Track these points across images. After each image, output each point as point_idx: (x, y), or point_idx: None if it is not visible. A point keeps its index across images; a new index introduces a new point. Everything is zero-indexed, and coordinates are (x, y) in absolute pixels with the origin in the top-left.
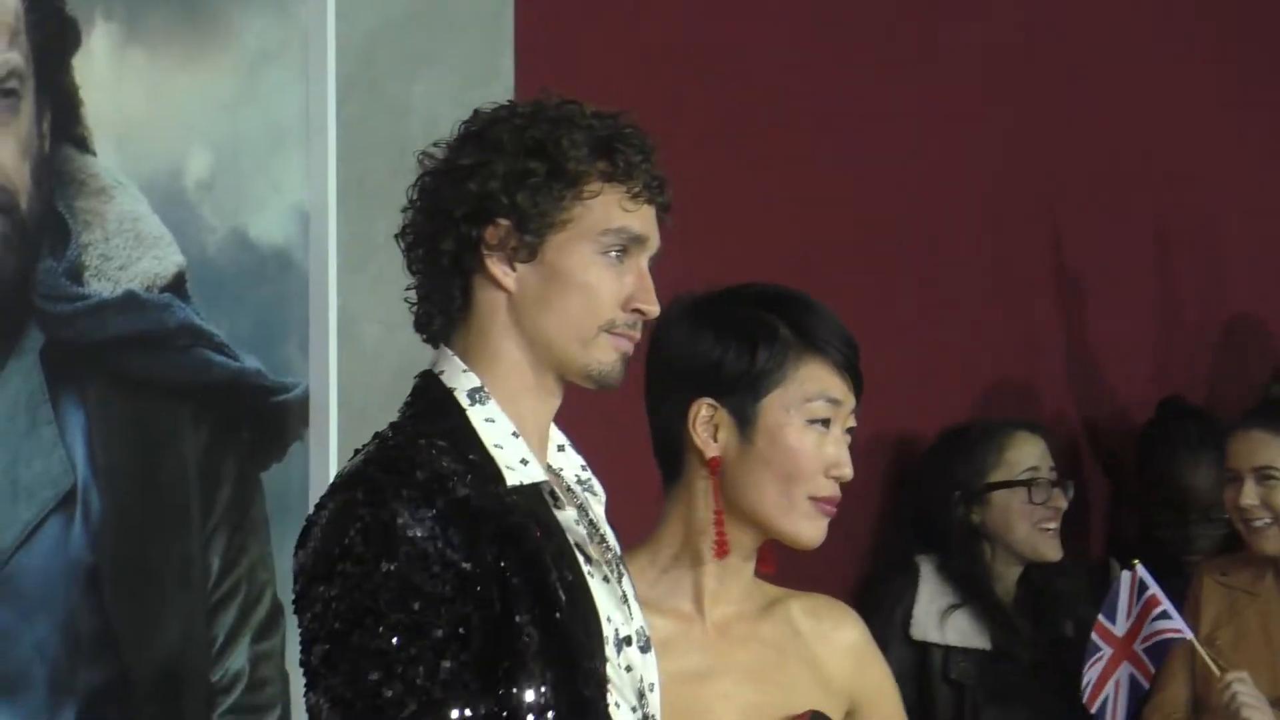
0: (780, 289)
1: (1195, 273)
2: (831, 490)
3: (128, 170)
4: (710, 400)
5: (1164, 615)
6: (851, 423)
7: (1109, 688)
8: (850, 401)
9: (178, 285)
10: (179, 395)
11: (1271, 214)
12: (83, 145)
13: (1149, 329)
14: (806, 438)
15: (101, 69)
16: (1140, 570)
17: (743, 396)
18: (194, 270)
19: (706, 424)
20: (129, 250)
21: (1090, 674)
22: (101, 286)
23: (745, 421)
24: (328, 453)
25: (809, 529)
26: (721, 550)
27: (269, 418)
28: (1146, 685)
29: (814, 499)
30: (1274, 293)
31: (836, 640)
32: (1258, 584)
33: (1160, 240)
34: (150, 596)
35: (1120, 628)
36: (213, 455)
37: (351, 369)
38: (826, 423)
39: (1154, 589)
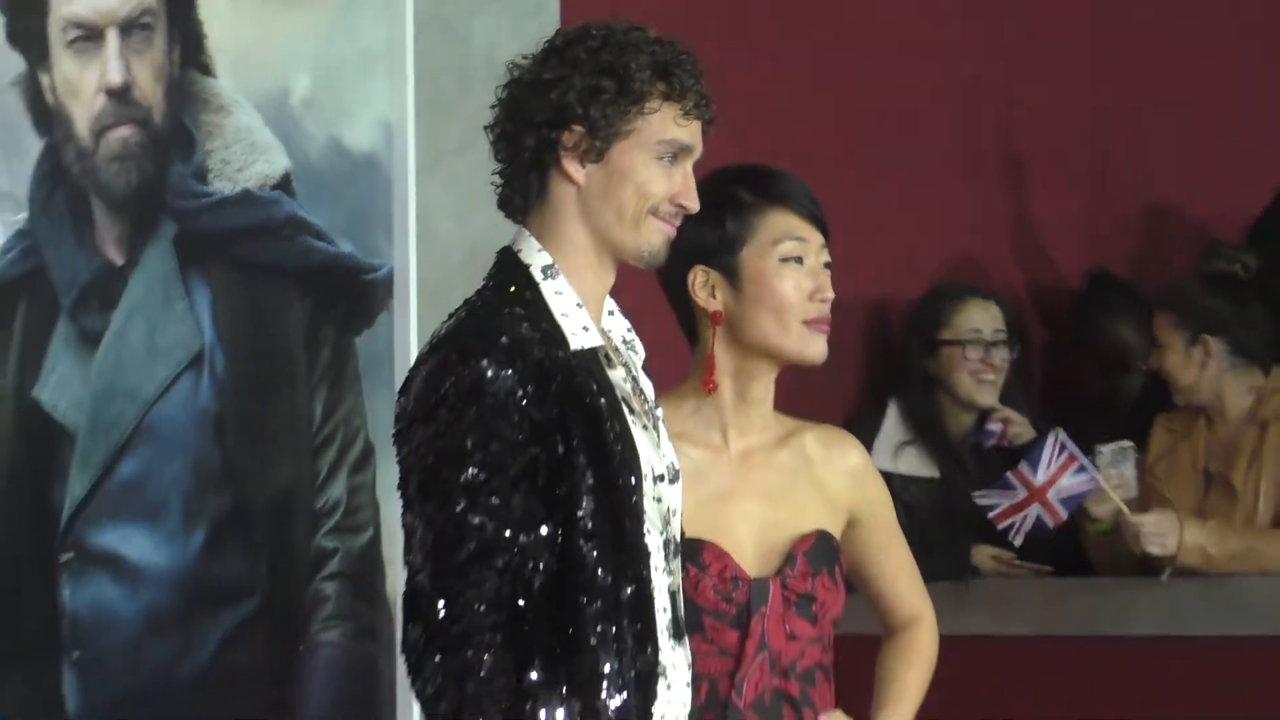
0: (740, 165)
1: (1127, 161)
2: (819, 312)
3: (243, 90)
4: (701, 266)
5: (1080, 470)
6: (825, 257)
7: (1017, 518)
8: (815, 237)
9: (285, 184)
10: (287, 275)
11: (1194, 105)
12: (205, 70)
13: (1085, 210)
14: (785, 275)
15: (221, 6)
16: (1062, 435)
17: (724, 257)
18: (298, 172)
19: (704, 286)
20: (244, 156)
21: (1000, 501)
22: (222, 186)
23: (732, 275)
24: (409, 321)
25: (810, 348)
26: (709, 385)
27: (360, 293)
28: (1052, 525)
29: (806, 322)
30: (1193, 179)
31: (841, 464)
32: (1190, 428)
33: (1098, 131)
34: (265, 439)
35: (1039, 478)
36: (315, 324)
37: (427, 252)
38: (800, 260)
39: (1072, 449)
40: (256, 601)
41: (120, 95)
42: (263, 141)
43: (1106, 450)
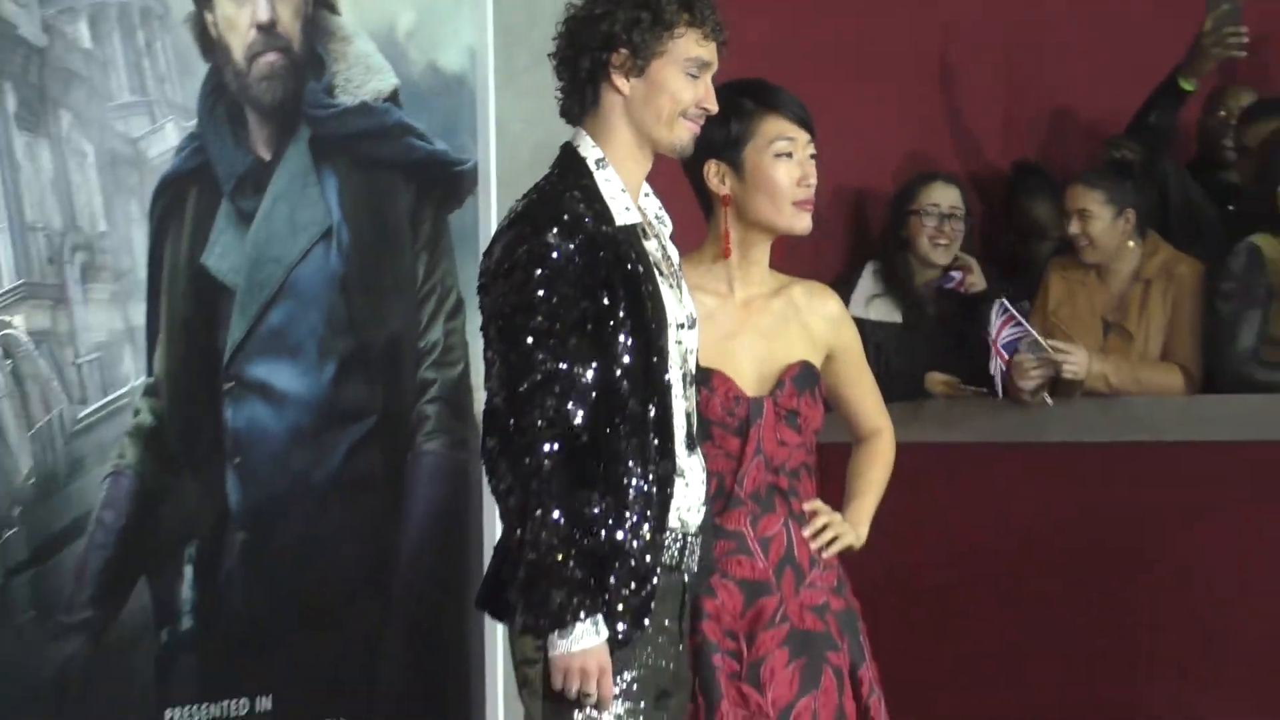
0: (744, 80)
1: (1041, 69)
2: (805, 195)
3: (360, 24)
4: (714, 159)
5: (1017, 324)
6: (811, 150)
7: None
8: (802, 136)
9: (393, 98)
10: (395, 168)
11: (1099, 16)
12: (332, 8)
13: (1010, 109)
14: (778, 167)
15: None
16: (1005, 302)
17: (731, 152)
18: (403, 88)
19: (716, 175)
20: (362, 76)
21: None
22: (345, 99)
23: (738, 168)
24: (490, 202)
25: (798, 223)
26: (725, 253)
27: (451, 181)
28: (1002, 365)
29: (795, 203)
30: (1092, 87)
31: (821, 311)
32: (1086, 278)
33: (1015, 46)
34: (380, 295)
35: (990, 335)
36: (417, 205)
37: (503, 149)
38: (790, 155)
39: (1011, 311)
40: (374, 420)
41: (267, 29)
42: (376, 64)
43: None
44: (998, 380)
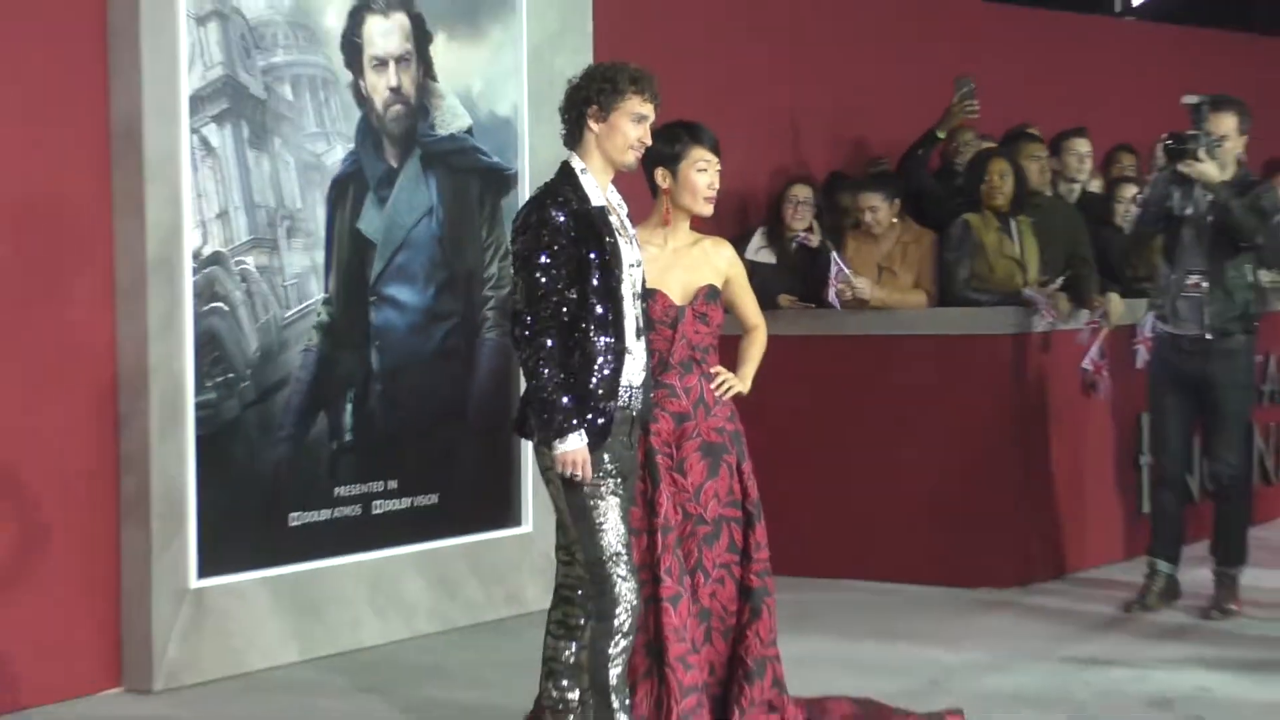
0: (687, 121)
1: (849, 122)
2: (711, 194)
3: (449, 88)
4: (661, 167)
5: (839, 266)
6: (717, 167)
7: (830, 292)
8: (714, 160)
9: (469, 131)
10: (469, 172)
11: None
12: (433, 78)
13: (831, 139)
14: (698, 177)
15: (440, 48)
16: (835, 254)
17: (672, 164)
18: (475, 126)
19: (661, 177)
20: (450, 118)
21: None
22: (440, 131)
23: (675, 174)
24: (524, 193)
25: (705, 209)
26: (665, 222)
27: (502, 180)
28: (832, 287)
29: (705, 198)
30: (878, 131)
31: (721, 255)
32: (870, 241)
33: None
34: (461, 245)
35: (830, 271)
36: (482, 193)
37: (532, 163)
38: (705, 170)
39: (836, 259)
40: (457, 319)
41: (395, 90)
42: (458, 111)
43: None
44: (831, 296)
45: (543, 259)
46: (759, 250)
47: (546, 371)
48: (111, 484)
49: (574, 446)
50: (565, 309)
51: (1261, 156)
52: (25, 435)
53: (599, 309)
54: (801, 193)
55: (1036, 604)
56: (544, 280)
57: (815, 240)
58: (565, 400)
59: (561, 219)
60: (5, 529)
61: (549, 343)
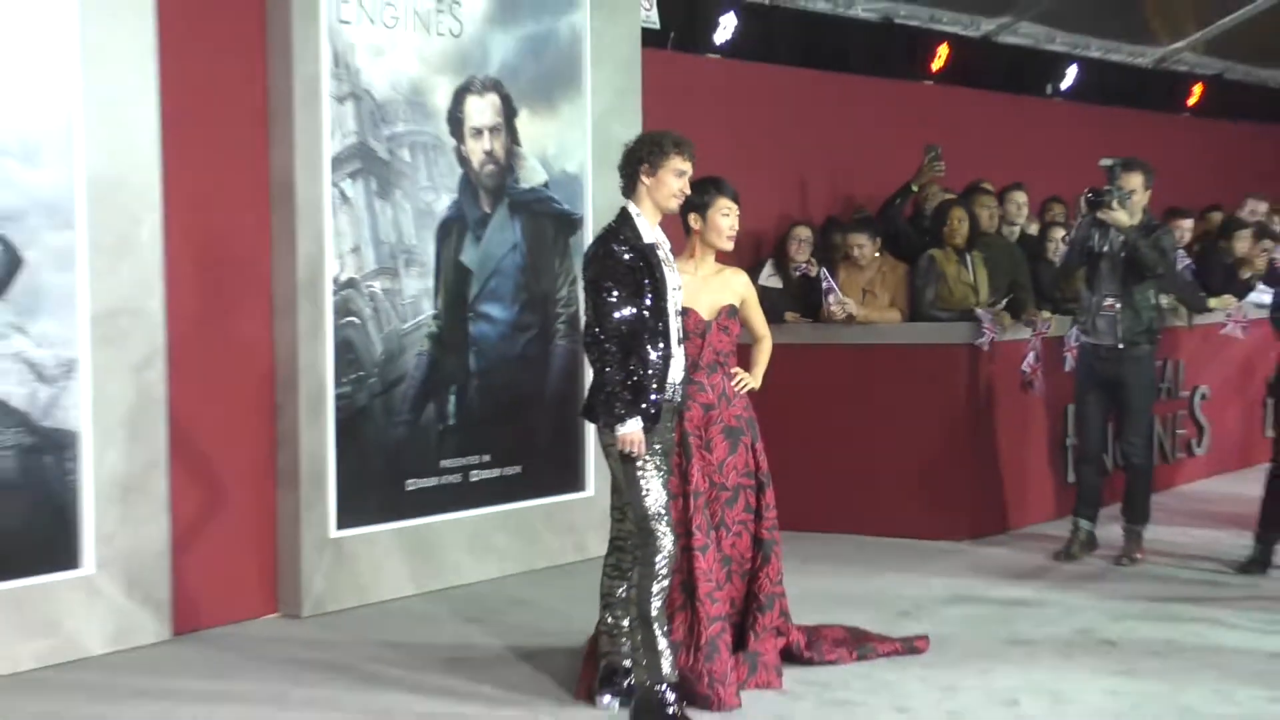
0: (711, 176)
1: (840, 173)
2: (732, 234)
3: (530, 151)
4: (693, 212)
5: (828, 283)
6: (737, 212)
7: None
8: (735, 208)
9: (545, 185)
10: (546, 216)
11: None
12: (518, 142)
13: (828, 190)
14: (723, 221)
15: (524, 121)
16: (829, 278)
17: (701, 210)
18: (550, 181)
19: (693, 220)
20: (531, 174)
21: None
22: (524, 185)
23: (703, 218)
24: (588, 233)
25: (727, 245)
26: (692, 254)
27: (572, 223)
28: (826, 305)
29: (727, 237)
30: (864, 184)
31: (739, 281)
32: (857, 270)
33: None
34: (540, 273)
35: (823, 290)
36: (557, 234)
37: (595, 209)
38: (727, 215)
39: (830, 281)
40: (535, 330)
41: (489, 153)
42: (537, 169)
43: (835, 284)
44: (824, 302)
45: (608, 284)
46: (769, 277)
47: (610, 371)
48: (270, 458)
49: (632, 429)
50: (624, 324)
51: (1161, 205)
52: (205, 421)
53: (651, 321)
54: (803, 233)
55: (985, 553)
56: (610, 300)
57: (814, 270)
58: (625, 393)
59: (621, 253)
60: (190, 493)
61: (613, 349)
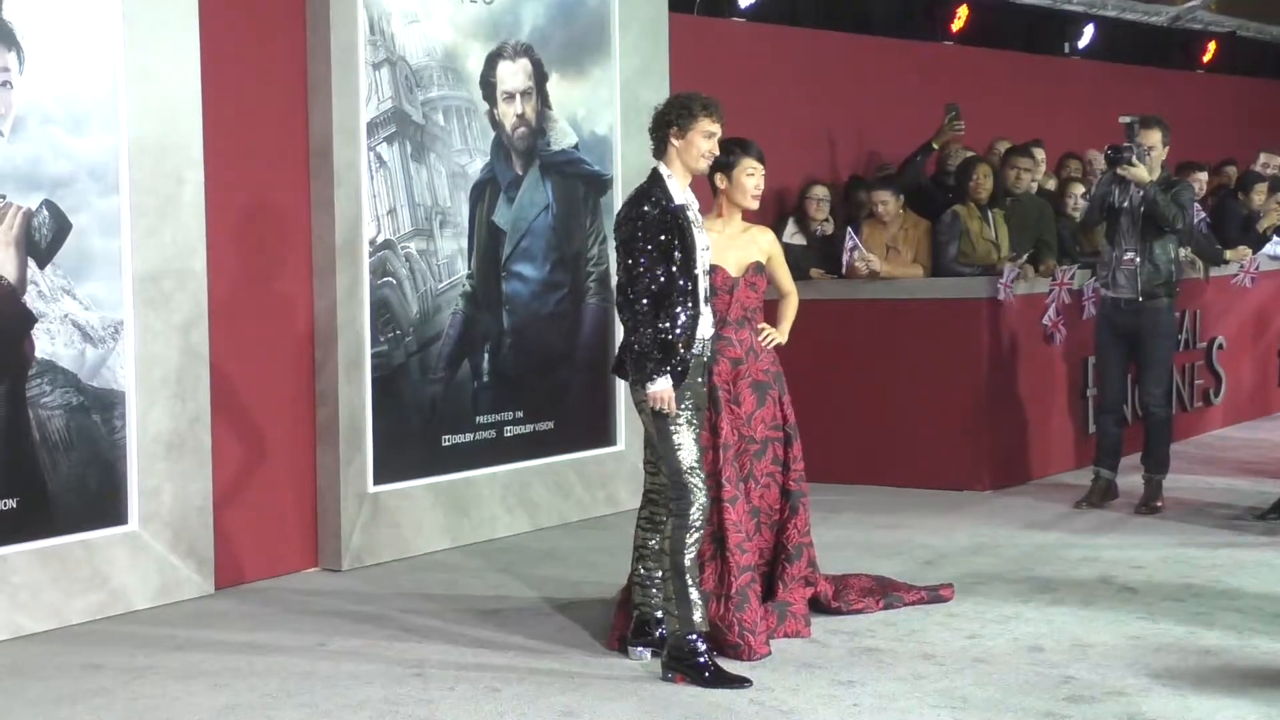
0: (740, 138)
1: (863, 132)
2: (757, 193)
3: (561, 113)
4: (720, 172)
5: (853, 240)
6: (762, 172)
7: (845, 261)
8: (760, 167)
9: (576, 147)
10: (576, 177)
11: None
12: (549, 105)
13: (853, 148)
14: (749, 181)
15: (554, 85)
16: (852, 233)
17: (727, 170)
18: (581, 142)
19: (720, 179)
20: (562, 136)
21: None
22: (555, 147)
23: (730, 178)
24: (618, 193)
25: (753, 204)
26: (719, 214)
27: (602, 183)
28: (847, 260)
29: (752, 196)
30: (886, 144)
31: (765, 238)
32: (881, 227)
33: None
34: (570, 232)
35: (845, 246)
36: (587, 194)
37: (625, 170)
38: (752, 175)
39: (854, 237)
40: (567, 289)
41: (521, 116)
42: (568, 131)
43: (859, 238)
44: (845, 260)
45: (639, 245)
46: (792, 235)
47: (642, 329)
48: (310, 414)
49: (662, 386)
50: (655, 283)
51: (1176, 160)
52: (247, 378)
53: (680, 281)
54: (819, 191)
55: (1007, 503)
56: (642, 260)
57: (830, 229)
58: (654, 350)
59: (652, 213)
60: (233, 449)
61: (643, 308)
